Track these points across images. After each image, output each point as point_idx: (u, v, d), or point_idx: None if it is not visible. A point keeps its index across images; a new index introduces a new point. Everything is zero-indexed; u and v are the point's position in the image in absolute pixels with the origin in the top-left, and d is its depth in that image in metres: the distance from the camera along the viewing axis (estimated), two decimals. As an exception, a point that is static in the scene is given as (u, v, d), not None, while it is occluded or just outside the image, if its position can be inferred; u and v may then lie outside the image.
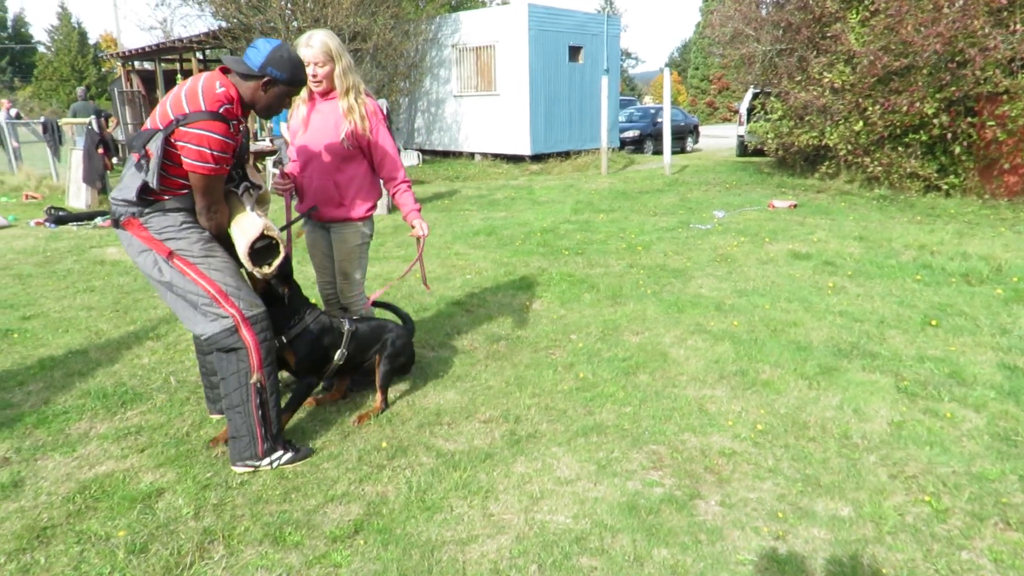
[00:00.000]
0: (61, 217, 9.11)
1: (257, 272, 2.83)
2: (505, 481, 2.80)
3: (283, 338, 3.18)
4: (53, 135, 13.06)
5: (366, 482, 2.80)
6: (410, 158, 16.77)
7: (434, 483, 2.78)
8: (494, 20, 16.18)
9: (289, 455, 2.93)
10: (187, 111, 2.57)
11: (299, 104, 3.45)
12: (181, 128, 2.56)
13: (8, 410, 3.48)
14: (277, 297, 3.11)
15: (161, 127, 2.59)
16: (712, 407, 3.47)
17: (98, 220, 9.12)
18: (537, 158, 16.39)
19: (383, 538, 2.43)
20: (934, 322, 4.61)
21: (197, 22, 20.46)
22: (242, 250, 2.77)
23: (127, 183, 2.71)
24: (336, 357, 3.35)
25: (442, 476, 2.83)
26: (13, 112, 18.55)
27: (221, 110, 2.59)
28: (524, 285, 5.76)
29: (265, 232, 2.78)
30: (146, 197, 2.69)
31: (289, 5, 13.86)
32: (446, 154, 18.02)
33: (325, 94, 3.39)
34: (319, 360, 3.31)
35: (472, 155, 17.39)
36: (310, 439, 3.16)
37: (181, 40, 16.37)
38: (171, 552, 2.36)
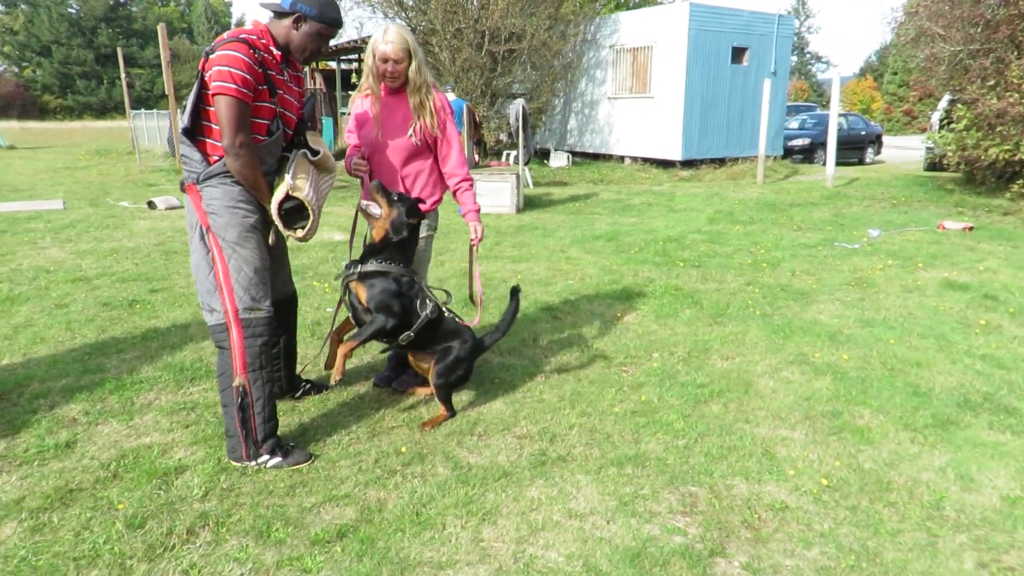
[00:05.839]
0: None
1: (291, 236, 2.81)
2: (511, 505, 2.59)
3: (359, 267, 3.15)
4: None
5: (372, 486, 2.70)
6: (559, 159, 16.73)
7: (437, 497, 2.63)
8: (654, 20, 15.68)
9: (276, 460, 2.81)
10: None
11: (365, 94, 3.40)
12: (209, 58, 2.58)
13: (98, 374, 3.78)
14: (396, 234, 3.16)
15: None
16: (781, 451, 3.03)
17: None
18: (688, 164, 15.68)
19: (361, 548, 2.32)
20: (1106, 378, 3.76)
21: (368, 23, 21.66)
22: (272, 212, 2.74)
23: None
24: (402, 337, 3.19)
25: (448, 490, 2.67)
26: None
27: (242, 36, 2.61)
28: (624, 295, 5.45)
29: (291, 192, 2.71)
30: (199, 153, 2.69)
31: (449, 6, 14.25)
32: (596, 156, 17.76)
33: (397, 89, 3.34)
34: (395, 312, 3.12)
35: (622, 158, 17.01)
36: (338, 434, 3.12)
37: (355, 41, 17.43)
38: (163, 531, 2.39)
